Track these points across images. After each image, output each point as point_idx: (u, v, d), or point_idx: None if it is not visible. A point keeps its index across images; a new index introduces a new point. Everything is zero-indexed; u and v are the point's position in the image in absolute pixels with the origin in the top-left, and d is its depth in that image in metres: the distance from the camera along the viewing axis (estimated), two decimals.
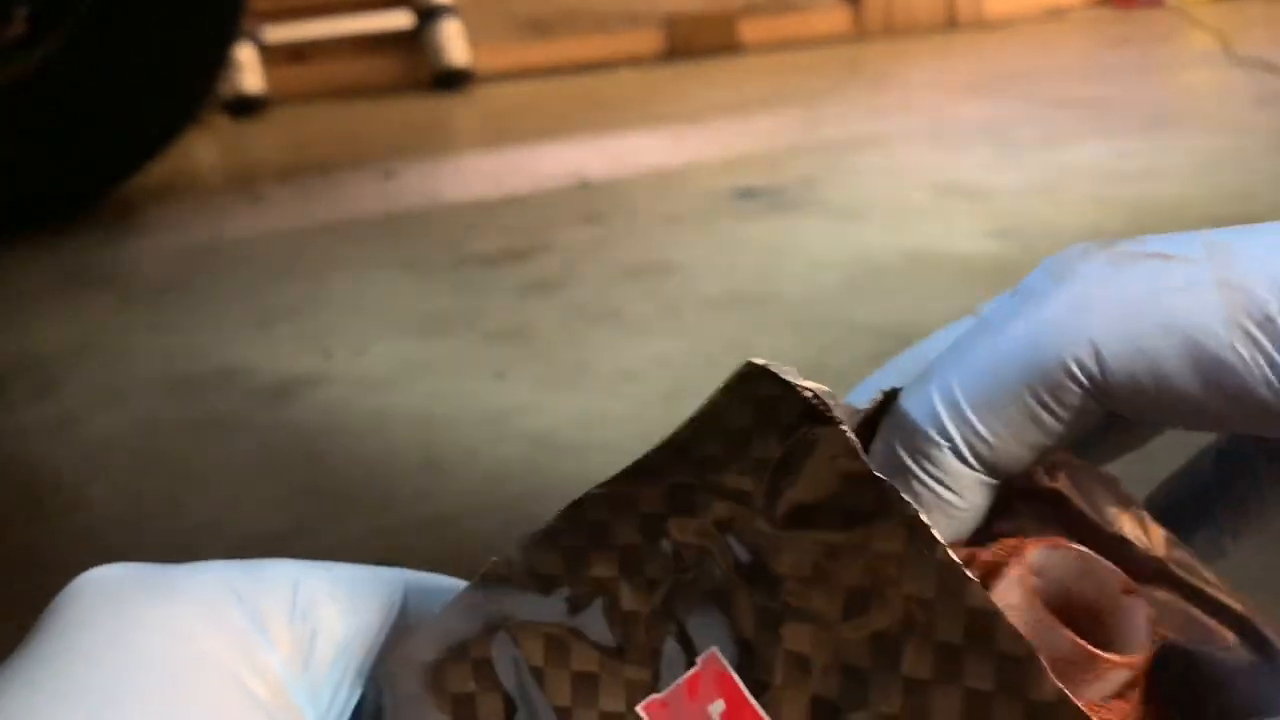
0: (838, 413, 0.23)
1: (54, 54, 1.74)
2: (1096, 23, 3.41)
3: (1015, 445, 0.24)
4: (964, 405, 0.24)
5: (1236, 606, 0.24)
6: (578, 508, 0.25)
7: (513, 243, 1.62)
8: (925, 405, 0.25)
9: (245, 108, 2.71)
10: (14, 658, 0.22)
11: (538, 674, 0.24)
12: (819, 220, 1.61)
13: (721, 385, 0.24)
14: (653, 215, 1.72)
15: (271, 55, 2.83)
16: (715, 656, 0.23)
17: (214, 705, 0.21)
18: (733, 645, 0.23)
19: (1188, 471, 0.30)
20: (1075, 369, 0.23)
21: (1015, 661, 0.21)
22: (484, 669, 0.25)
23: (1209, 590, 0.25)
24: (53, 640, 0.22)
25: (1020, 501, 0.25)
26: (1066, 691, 0.21)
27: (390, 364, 1.23)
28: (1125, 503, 0.25)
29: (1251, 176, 1.69)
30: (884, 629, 0.22)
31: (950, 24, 3.39)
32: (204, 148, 2.45)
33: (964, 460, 0.24)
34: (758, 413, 0.24)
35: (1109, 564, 0.24)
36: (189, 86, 1.87)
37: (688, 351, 1.19)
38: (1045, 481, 0.25)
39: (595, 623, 0.24)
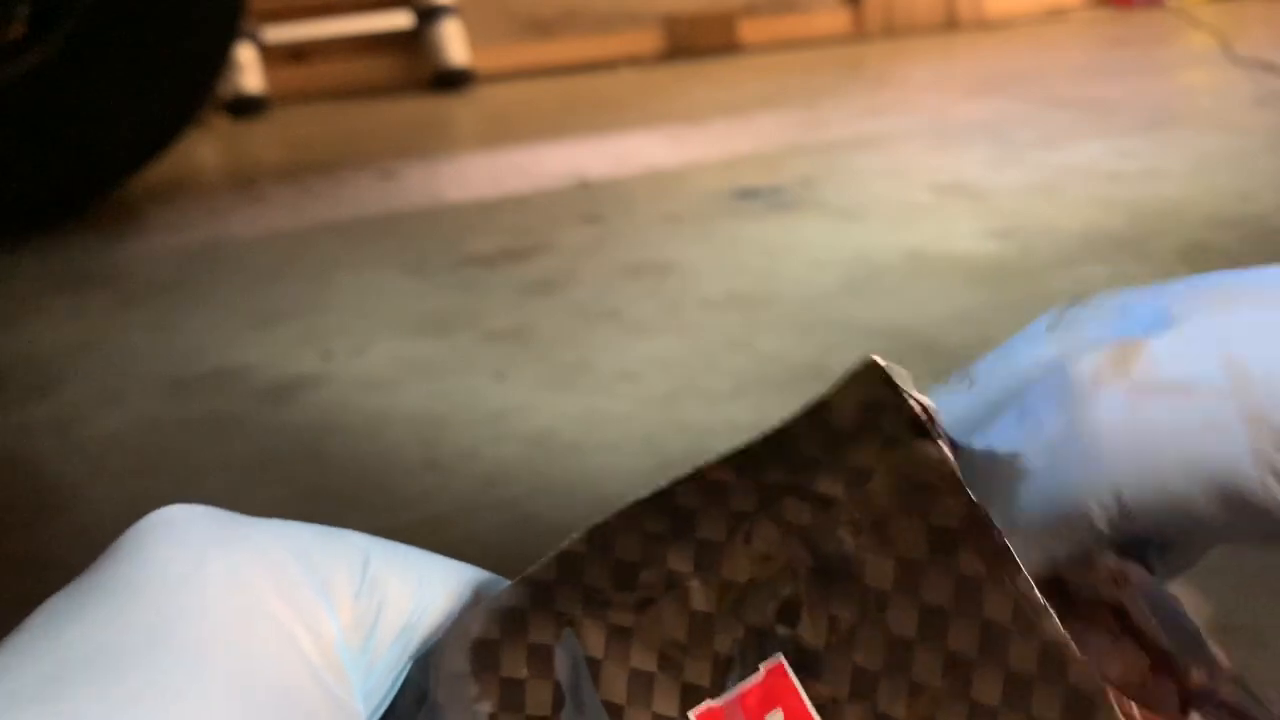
0: (939, 429, 0.23)
1: (54, 54, 1.74)
2: (1096, 23, 3.41)
3: (1037, 559, 0.24)
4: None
5: None
6: (667, 493, 0.24)
7: (513, 243, 1.62)
8: None
9: (245, 108, 2.71)
10: (76, 583, 0.22)
11: (594, 666, 0.24)
12: (819, 220, 1.61)
13: (837, 381, 0.24)
14: (653, 215, 1.72)
15: (271, 55, 2.83)
16: (781, 666, 0.23)
17: (265, 657, 0.21)
18: (800, 655, 0.23)
19: None
20: (1096, 515, 0.23)
21: (1085, 697, 0.21)
22: (540, 655, 0.24)
23: (1258, 713, 0.25)
24: (116, 571, 0.22)
25: (1083, 606, 0.25)
26: None
27: (390, 364, 1.23)
28: (1185, 625, 0.25)
29: (1251, 176, 1.69)
30: (957, 651, 0.22)
31: (950, 24, 3.39)
32: (204, 148, 2.45)
33: None
34: (863, 417, 0.23)
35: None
36: (189, 87, 1.87)
37: (688, 351, 1.19)
38: (1108, 593, 0.25)
39: (662, 619, 0.24)
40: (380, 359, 1.24)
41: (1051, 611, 0.22)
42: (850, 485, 0.23)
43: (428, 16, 2.91)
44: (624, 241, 1.60)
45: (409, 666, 0.24)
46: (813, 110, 2.40)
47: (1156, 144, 1.91)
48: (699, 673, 0.23)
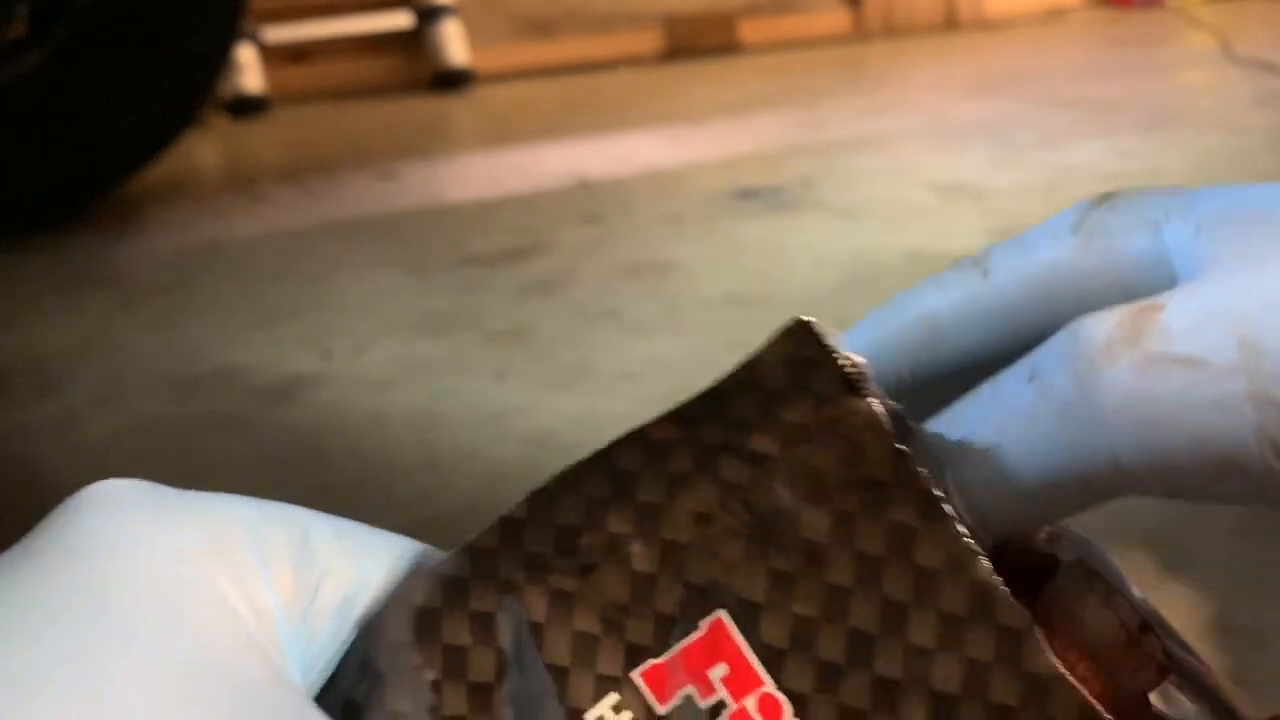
0: (871, 386, 0.24)
1: (54, 54, 1.74)
2: (1096, 23, 3.41)
3: (1022, 524, 0.25)
4: (977, 498, 0.24)
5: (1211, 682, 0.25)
6: (608, 454, 0.25)
7: (513, 243, 1.62)
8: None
9: (245, 108, 2.71)
10: (8, 552, 0.21)
11: (537, 631, 0.24)
12: (819, 220, 1.61)
13: (767, 340, 0.24)
14: (653, 215, 1.72)
15: (271, 55, 2.83)
16: (721, 621, 0.24)
17: (200, 626, 0.21)
18: (741, 609, 0.24)
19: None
20: (1093, 480, 0.23)
21: (1015, 634, 0.22)
22: (483, 622, 0.24)
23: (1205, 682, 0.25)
24: (50, 538, 0.22)
25: (1014, 557, 0.25)
26: (1061, 667, 0.22)
27: (390, 364, 1.23)
28: (1111, 590, 0.25)
29: (1251, 176, 1.69)
30: (893, 597, 0.23)
31: (950, 24, 3.39)
32: (204, 148, 2.45)
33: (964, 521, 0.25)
34: (794, 375, 0.24)
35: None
36: (189, 87, 1.87)
37: (688, 351, 1.19)
38: (1044, 547, 0.25)
39: (605, 582, 0.24)
40: (380, 359, 1.24)
41: (983, 555, 0.22)
42: (784, 443, 0.24)
43: (428, 16, 2.91)
44: (624, 241, 1.60)
45: (352, 638, 0.24)
46: (813, 110, 2.40)
47: (1156, 144, 1.91)
48: (642, 633, 0.24)
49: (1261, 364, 0.22)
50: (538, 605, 0.24)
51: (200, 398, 1.18)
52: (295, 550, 0.23)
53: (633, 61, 3.11)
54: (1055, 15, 3.48)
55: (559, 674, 0.24)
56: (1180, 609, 0.73)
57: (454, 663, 0.24)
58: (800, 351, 0.24)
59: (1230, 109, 2.19)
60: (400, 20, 2.96)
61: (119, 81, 1.79)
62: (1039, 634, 0.22)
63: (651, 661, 0.24)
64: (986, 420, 0.24)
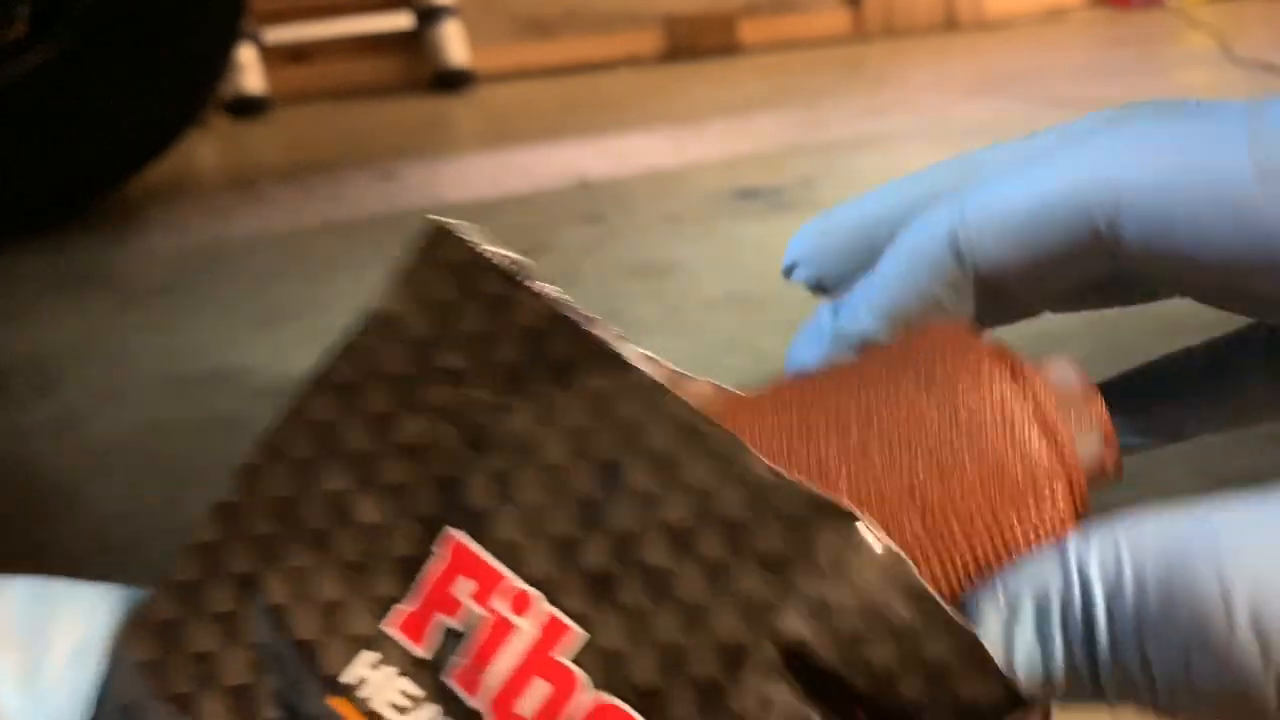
0: (532, 274, 0.24)
1: (54, 54, 1.74)
2: (1096, 23, 3.41)
3: (1015, 269, 0.26)
4: (976, 226, 0.26)
5: None
6: (300, 410, 0.24)
7: (513, 243, 1.61)
8: (942, 219, 0.26)
9: (245, 108, 2.71)
10: None
11: (280, 612, 0.24)
12: None
13: (411, 251, 0.25)
14: (653, 215, 1.72)
15: (272, 55, 2.83)
16: (451, 537, 0.23)
17: None
18: (470, 520, 0.23)
19: (1182, 353, 0.31)
20: (1095, 212, 0.24)
21: (726, 453, 0.22)
22: (227, 622, 0.24)
23: None
24: None
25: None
26: (781, 469, 0.22)
27: None
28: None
29: None
30: (606, 457, 0.23)
31: (950, 24, 3.39)
32: (204, 148, 2.45)
33: (965, 268, 0.26)
34: (458, 282, 0.24)
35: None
36: (190, 87, 1.87)
37: (688, 351, 1.19)
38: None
39: (337, 544, 0.24)
40: None
41: (674, 393, 0.23)
42: (471, 352, 0.24)
43: (428, 17, 2.91)
44: (624, 241, 1.60)
45: (94, 686, 0.24)
46: (813, 110, 2.40)
47: None
48: (387, 583, 0.24)
49: (1260, 113, 0.25)
50: (277, 588, 0.24)
51: (200, 398, 1.18)
52: (15, 616, 0.23)
53: (633, 61, 3.11)
54: (1055, 15, 3.48)
55: (309, 649, 0.23)
56: None
57: (205, 671, 0.24)
58: (450, 255, 0.24)
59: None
60: (400, 20, 2.96)
61: (119, 82, 1.79)
62: (749, 448, 0.22)
63: (399, 608, 0.23)
64: (1011, 172, 0.26)
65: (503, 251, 0.25)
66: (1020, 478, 0.23)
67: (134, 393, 1.20)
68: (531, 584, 0.23)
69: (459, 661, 0.23)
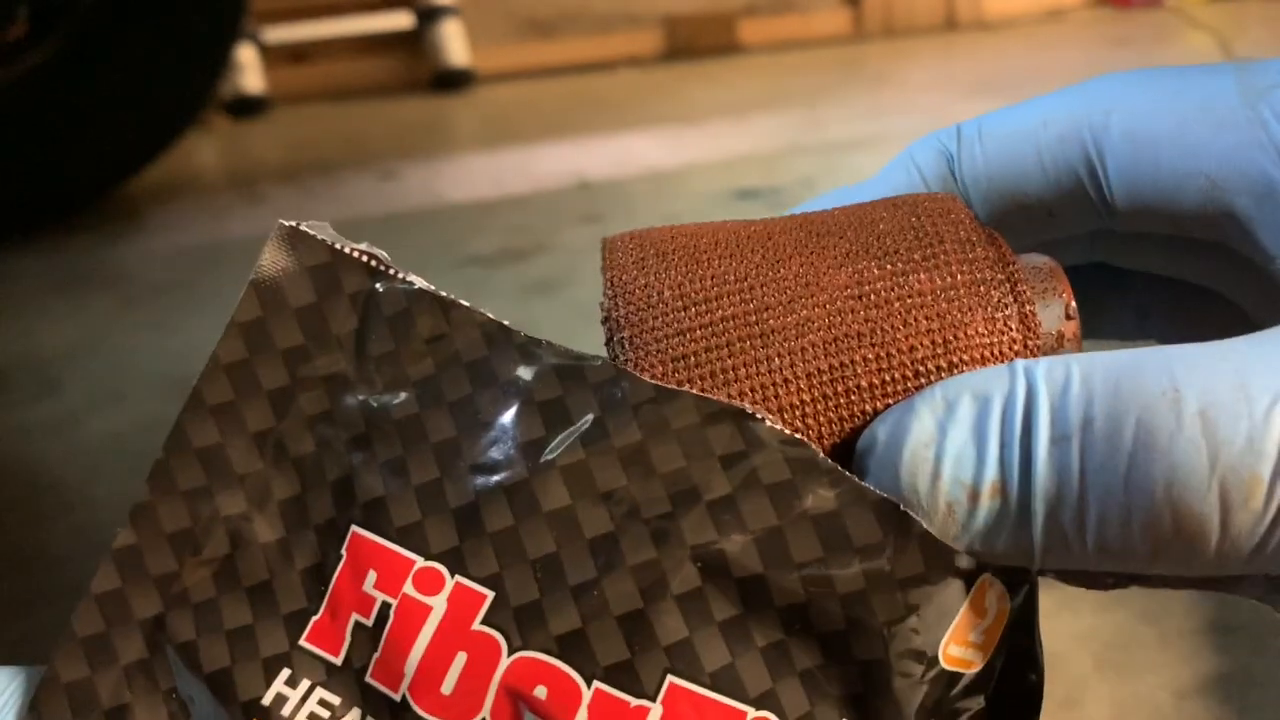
0: (388, 264, 0.24)
1: (54, 54, 1.74)
2: (1096, 23, 3.41)
3: (1001, 182, 0.26)
4: (968, 138, 0.26)
5: None
6: (182, 439, 0.24)
7: (513, 243, 1.62)
8: (937, 134, 0.27)
9: (245, 108, 2.71)
10: None
11: (191, 650, 0.23)
12: None
13: (264, 253, 0.24)
14: (652, 215, 1.72)
15: (271, 55, 2.83)
16: (355, 535, 0.23)
17: None
18: (368, 512, 0.23)
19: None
20: (1083, 126, 0.25)
21: (609, 382, 0.22)
22: (139, 672, 0.23)
23: None
24: None
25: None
26: (666, 385, 0.22)
27: None
28: None
29: None
30: (488, 418, 0.23)
31: (950, 24, 3.39)
32: (204, 148, 2.45)
33: (957, 175, 0.27)
34: (319, 285, 0.24)
35: None
36: (190, 87, 1.87)
37: None
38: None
39: (239, 569, 0.23)
40: None
41: (520, 332, 0.23)
42: (348, 353, 0.24)
43: (428, 17, 2.91)
44: None
45: None
46: (813, 110, 2.40)
47: None
48: (294, 598, 0.23)
49: (1248, 64, 0.25)
50: (183, 626, 0.23)
51: None
52: None
53: (633, 61, 3.11)
54: (1055, 15, 3.48)
55: (223, 679, 0.23)
56: (1180, 609, 0.73)
57: None
58: (305, 258, 0.24)
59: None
60: (400, 20, 2.96)
61: (119, 82, 1.79)
62: (631, 372, 0.22)
63: (313, 619, 0.23)
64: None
65: (359, 246, 0.25)
66: (972, 299, 0.23)
67: (134, 393, 1.20)
68: (437, 560, 0.22)
69: (376, 657, 0.23)
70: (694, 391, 0.22)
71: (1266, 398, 0.19)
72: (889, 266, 0.23)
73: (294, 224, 0.24)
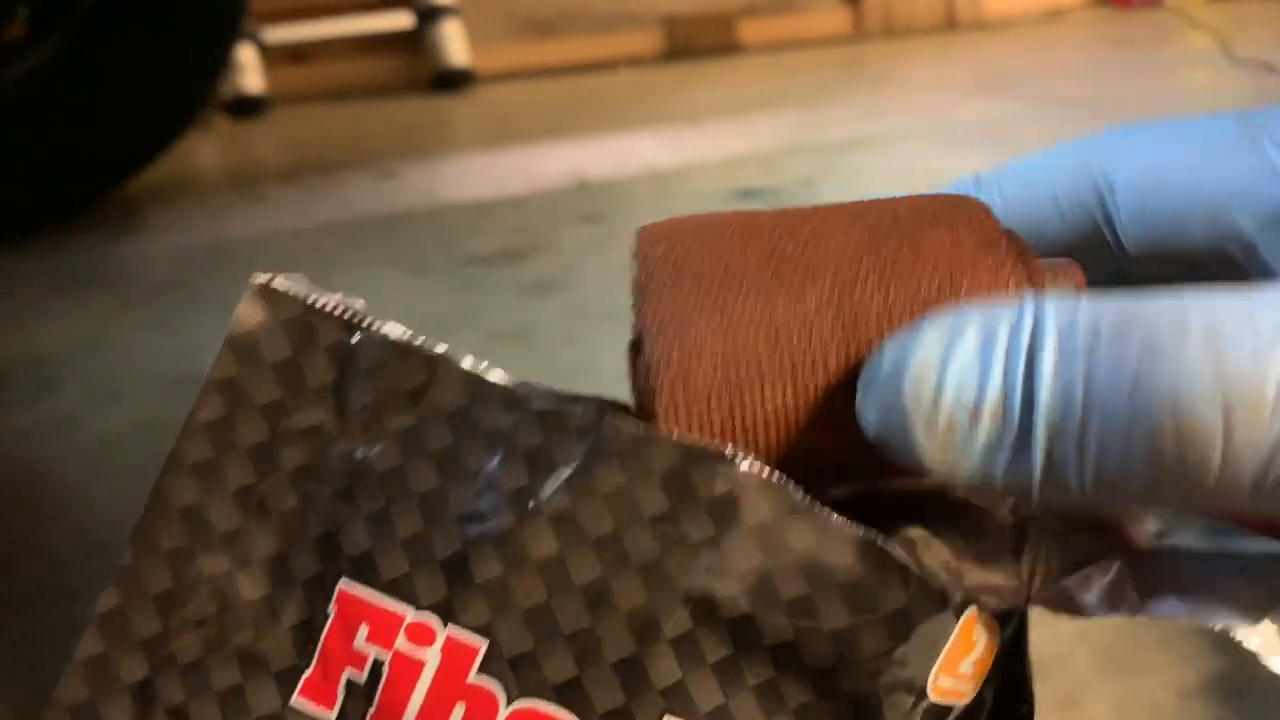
0: (368, 316, 0.24)
1: (54, 54, 1.74)
2: (1096, 23, 3.41)
3: (1019, 214, 0.28)
4: (995, 174, 0.29)
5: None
6: (162, 499, 0.24)
7: (513, 243, 1.62)
8: (970, 174, 0.29)
9: (245, 108, 2.71)
10: None
11: (178, 713, 0.23)
12: None
13: (238, 310, 0.24)
14: (653, 215, 1.71)
15: (271, 55, 2.83)
16: (343, 592, 0.23)
17: None
18: (355, 565, 0.23)
19: None
20: (1093, 164, 0.27)
21: (588, 429, 0.23)
22: None
23: None
24: None
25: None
26: (650, 428, 0.22)
27: None
28: None
29: None
30: (475, 466, 0.23)
31: (950, 24, 3.39)
32: (204, 148, 2.45)
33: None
34: (294, 339, 0.24)
35: None
36: (190, 87, 1.87)
37: None
38: None
39: (225, 629, 0.23)
40: None
41: (498, 382, 0.24)
42: (327, 406, 0.24)
43: (428, 17, 2.91)
44: (624, 242, 1.60)
45: None
46: (813, 110, 2.40)
47: None
48: (283, 656, 0.23)
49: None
50: (172, 690, 0.23)
51: None
52: None
53: (633, 61, 3.11)
54: (1055, 15, 3.48)
55: None
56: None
57: None
58: (279, 312, 0.24)
59: (1229, 109, 2.19)
60: (400, 20, 2.96)
61: (119, 82, 1.79)
62: (612, 417, 0.23)
63: (305, 676, 0.23)
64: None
65: (333, 297, 0.25)
66: (981, 253, 0.23)
67: (134, 393, 1.20)
68: (428, 611, 0.22)
69: (371, 712, 0.22)
70: (674, 436, 0.22)
71: (1272, 327, 0.19)
72: (902, 226, 0.24)
73: (267, 279, 0.24)
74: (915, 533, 0.22)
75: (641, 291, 0.25)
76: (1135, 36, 3.11)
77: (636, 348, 0.25)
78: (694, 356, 0.23)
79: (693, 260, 0.25)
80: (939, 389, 0.21)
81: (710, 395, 0.23)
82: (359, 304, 0.25)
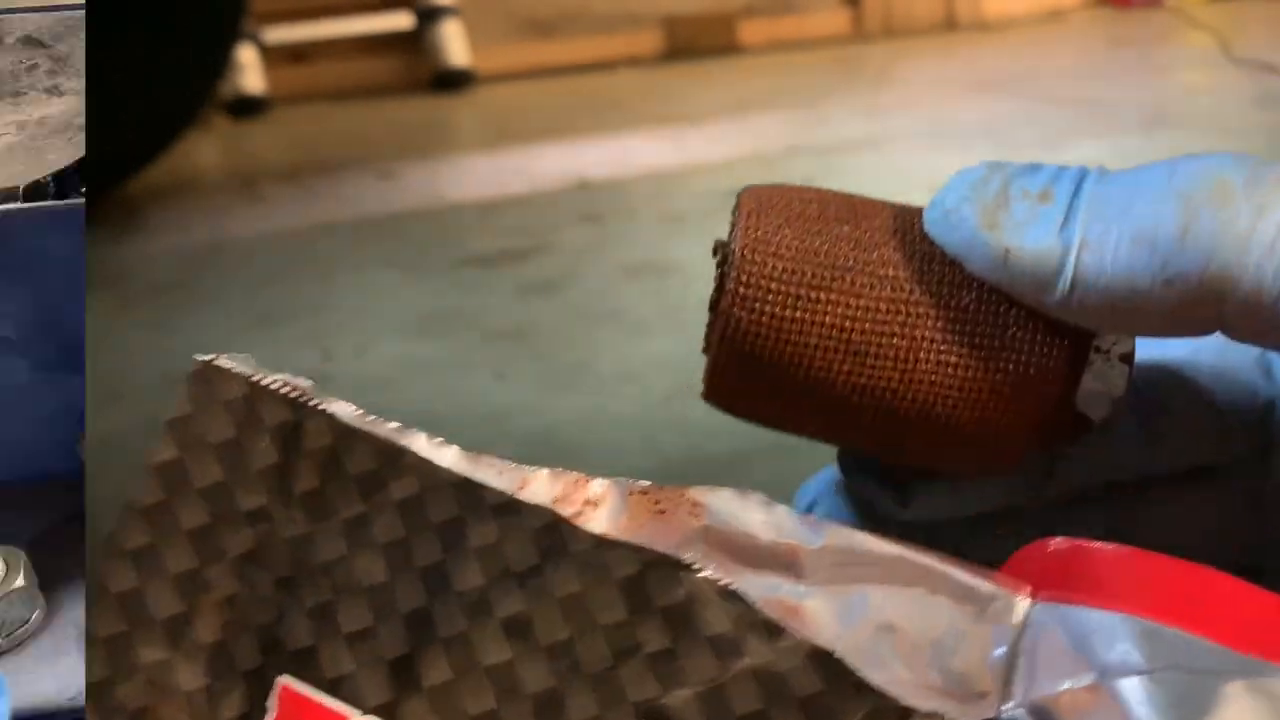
0: (314, 395, 0.24)
1: None
2: (1096, 23, 3.41)
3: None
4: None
5: None
6: (103, 586, 0.23)
7: (513, 243, 1.62)
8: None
9: (245, 108, 2.71)
10: None
11: None
12: None
13: (183, 395, 0.24)
14: (653, 215, 1.72)
15: (272, 55, 2.83)
16: (284, 687, 0.22)
17: None
18: (295, 661, 0.22)
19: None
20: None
21: (550, 529, 0.22)
22: None
23: None
24: None
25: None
26: (609, 535, 0.22)
27: (390, 364, 1.23)
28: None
29: None
30: (426, 563, 0.22)
31: (950, 24, 3.39)
32: (204, 148, 2.45)
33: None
34: (238, 420, 0.23)
35: None
36: (190, 87, 1.87)
37: (687, 351, 1.18)
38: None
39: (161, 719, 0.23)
40: (380, 359, 1.24)
41: (464, 475, 0.23)
42: (271, 490, 0.23)
43: (428, 17, 2.91)
44: (624, 242, 1.60)
45: None
46: (813, 110, 2.40)
47: (1156, 145, 1.91)
48: None
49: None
50: None
51: None
52: None
53: (633, 62, 3.11)
54: (1055, 15, 3.48)
55: None
56: None
57: None
58: (223, 393, 0.23)
59: (1230, 109, 2.19)
60: (400, 20, 2.96)
61: (119, 82, 1.79)
62: (570, 521, 0.22)
63: None
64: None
65: (281, 376, 0.24)
66: None
67: (134, 393, 1.20)
68: (373, 715, 0.22)
69: None
70: (632, 543, 0.22)
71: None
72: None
73: (210, 358, 0.24)
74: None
75: (736, 218, 0.26)
76: (1135, 37, 3.11)
77: (722, 248, 0.27)
78: (776, 231, 0.25)
79: (780, 201, 0.27)
80: (1001, 180, 0.24)
81: (786, 249, 0.25)
82: (306, 383, 0.24)
